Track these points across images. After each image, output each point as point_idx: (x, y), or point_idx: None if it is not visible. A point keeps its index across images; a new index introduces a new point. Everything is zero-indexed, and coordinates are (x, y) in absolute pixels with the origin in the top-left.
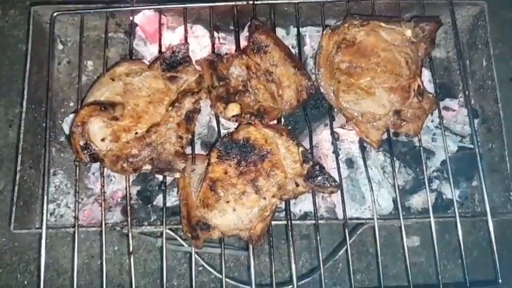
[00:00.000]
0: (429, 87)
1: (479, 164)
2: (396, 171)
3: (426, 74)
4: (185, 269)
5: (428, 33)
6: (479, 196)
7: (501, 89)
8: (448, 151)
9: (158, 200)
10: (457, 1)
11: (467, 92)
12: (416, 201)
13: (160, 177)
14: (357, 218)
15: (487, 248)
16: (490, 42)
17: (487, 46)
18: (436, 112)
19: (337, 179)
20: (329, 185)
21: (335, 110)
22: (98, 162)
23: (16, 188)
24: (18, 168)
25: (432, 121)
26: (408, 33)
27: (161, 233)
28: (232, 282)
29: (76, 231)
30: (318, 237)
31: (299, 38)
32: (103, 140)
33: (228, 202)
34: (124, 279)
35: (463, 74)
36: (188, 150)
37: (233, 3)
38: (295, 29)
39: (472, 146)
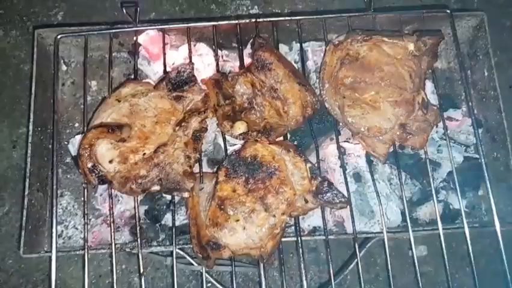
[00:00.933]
0: (433, 98)
1: (486, 173)
2: (404, 183)
3: (429, 85)
4: (194, 286)
5: (430, 46)
6: (486, 205)
7: (502, 97)
8: (454, 162)
9: (166, 219)
10: (457, 13)
11: (470, 103)
12: (424, 212)
13: (168, 196)
14: (367, 232)
15: (494, 256)
16: (490, 52)
17: (487, 56)
18: (440, 125)
19: (345, 193)
20: (338, 201)
21: (340, 124)
22: (105, 184)
23: (25, 212)
24: (26, 192)
25: (436, 132)
26: (411, 47)
27: (171, 252)
28: None
29: (86, 254)
30: (329, 254)
31: (302, 53)
32: (110, 161)
33: (237, 221)
34: None
35: (466, 84)
36: (195, 169)
37: (236, 21)
38: (298, 44)
39: (477, 156)
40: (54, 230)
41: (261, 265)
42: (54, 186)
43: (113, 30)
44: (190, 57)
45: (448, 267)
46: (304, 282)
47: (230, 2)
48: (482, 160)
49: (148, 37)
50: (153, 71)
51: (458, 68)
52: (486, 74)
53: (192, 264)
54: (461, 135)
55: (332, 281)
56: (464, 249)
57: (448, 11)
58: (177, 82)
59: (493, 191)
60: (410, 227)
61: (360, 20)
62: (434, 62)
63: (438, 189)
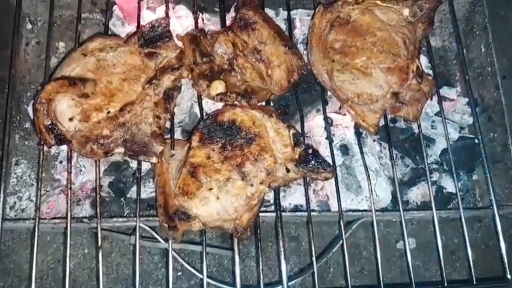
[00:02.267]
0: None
1: (483, 153)
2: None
3: (423, 60)
4: (163, 274)
5: (426, 12)
6: (480, 190)
7: (499, 73)
8: (449, 138)
9: (133, 193)
10: None
11: (467, 78)
12: (415, 194)
13: (135, 167)
14: (354, 210)
15: (485, 247)
16: (488, 28)
17: (485, 31)
18: (434, 100)
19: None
20: (323, 170)
21: (328, 93)
22: (66, 148)
23: None
24: None
25: (431, 108)
26: (406, 12)
27: (135, 227)
28: (215, 282)
29: (37, 225)
30: (311, 232)
31: (290, 20)
32: (71, 119)
33: (210, 189)
34: (94, 286)
35: (463, 60)
36: (167, 136)
37: None
38: (285, 11)
39: (472, 136)
40: (1, 195)
41: (235, 246)
42: (6, 148)
43: None
44: (167, 13)
45: (441, 253)
46: (283, 262)
47: None
48: (480, 138)
49: None
50: (127, 33)
51: (452, 46)
52: (483, 50)
53: (158, 242)
54: (455, 115)
55: (314, 264)
56: (455, 243)
57: None
58: (150, 37)
59: (490, 172)
60: (401, 207)
61: None
62: (430, 30)
63: (431, 170)
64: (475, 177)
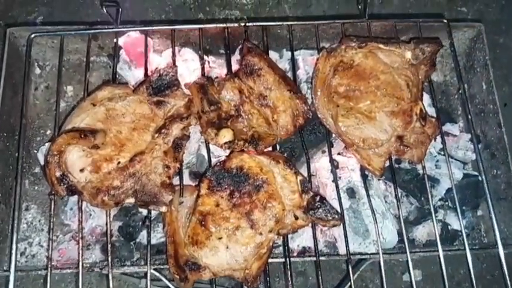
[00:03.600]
0: (430, 111)
1: (487, 192)
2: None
3: (425, 97)
4: None
5: (428, 55)
6: (485, 226)
7: (502, 112)
8: (453, 179)
9: (142, 237)
10: (453, 23)
11: (469, 117)
12: (421, 232)
13: (144, 212)
14: (361, 253)
15: (491, 277)
16: (489, 65)
17: (485, 69)
18: (438, 137)
19: (338, 209)
20: (331, 218)
21: (333, 135)
22: (76, 196)
23: None
24: None
25: (433, 147)
26: (408, 55)
27: (145, 273)
28: None
29: (49, 274)
30: (320, 276)
31: (293, 61)
32: (81, 170)
33: (220, 239)
34: None
35: (465, 97)
36: (175, 181)
37: (224, 25)
38: (289, 52)
39: (475, 173)
40: (14, 246)
41: None
42: (18, 197)
43: (92, 31)
44: (174, 61)
45: None
46: None
47: (219, 12)
48: (484, 177)
49: (129, 39)
50: (134, 76)
51: (454, 81)
52: (484, 87)
53: (169, 287)
54: (458, 151)
55: None
56: (461, 274)
57: (445, 21)
58: (158, 86)
59: (494, 210)
60: (407, 249)
61: (354, 28)
62: (432, 72)
63: (436, 208)
64: (479, 213)
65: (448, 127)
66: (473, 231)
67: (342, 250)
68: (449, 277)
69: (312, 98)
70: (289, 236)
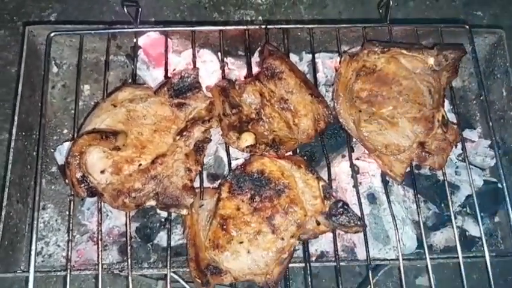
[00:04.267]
0: (450, 117)
1: (508, 199)
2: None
3: (445, 103)
4: None
5: (451, 61)
6: (502, 233)
7: None
8: (474, 185)
9: (160, 239)
10: (475, 29)
11: (491, 123)
12: (438, 238)
13: (162, 213)
14: (381, 259)
15: (504, 282)
16: (510, 71)
17: (506, 75)
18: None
19: (359, 215)
20: (354, 224)
21: (354, 139)
22: (94, 196)
23: (1, 225)
24: (4, 203)
25: (453, 153)
26: (431, 61)
27: (165, 275)
28: None
29: (69, 275)
30: (341, 283)
31: (314, 64)
32: (102, 172)
33: (241, 243)
34: None
35: (486, 103)
36: (195, 183)
37: (245, 27)
38: (308, 55)
39: (494, 180)
40: (33, 247)
41: None
42: (37, 198)
43: (112, 30)
44: (194, 63)
45: None
46: None
47: (234, 11)
48: (504, 184)
49: (149, 39)
50: (152, 76)
51: (472, 87)
52: (505, 94)
53: None
54: (477, 157)
55: None
56: (474, 279)
57: (467, 27)
58: (180, 88)
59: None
60: (427, 255)
61: (374, 32)
62: (454, 78)
63: (455, 214)
64: (496, 219)
65: (466, 133)
66: (490, 237)
67: (360, 255)
68: (460, 284)
69: (333, 102)
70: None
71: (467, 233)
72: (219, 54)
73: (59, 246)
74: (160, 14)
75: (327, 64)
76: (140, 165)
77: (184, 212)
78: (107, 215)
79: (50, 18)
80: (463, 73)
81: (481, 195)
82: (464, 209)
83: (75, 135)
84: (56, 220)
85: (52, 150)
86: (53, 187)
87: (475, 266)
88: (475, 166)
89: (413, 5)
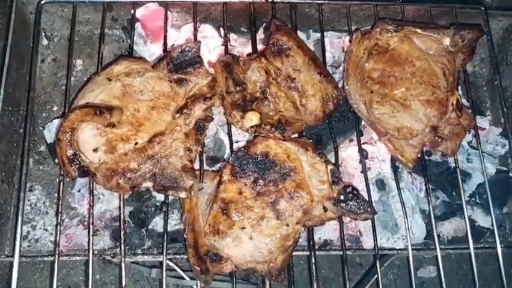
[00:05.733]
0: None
1: None
2: (425, 194)
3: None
4: None
5: (468, 42)
6: (510, 223)
7: None
8: (486, 174)
9: (155, 224)
10: (490, 11)
11: (505, 110)
12: (447, 228)
13: (158, 197)
14: (389, 249)
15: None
16: None
17: None
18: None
19: None
20: (363, 211)
21: (362, 123)
22: (84, 177)
23: None
24: None
25: (464, 140)
26: (447, 41)
27: (160, 262)
28: None
29: (57, 261)
30: (346, 272)
31: (323, 42)
32: (95, 150)
33: (243, 228)
34: None
35: (501, 90)
36: (195, 165)
37: (250, 0)
38: (316, 33)
39: (505, 169)
40: (19, 230)
41: (267, 283)
42: (23, 178)
43: (108, 0)
44: (195, 36)
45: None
46: None
47: None
48: None
49: (147, 11)
50: (149, 52)
51: (483, 72)
52: None
53: (183, 279)
54: (488, 145)
55: None
56: (477, 270)
57: (482, 8)
58: (180, 62)
59: None
60: (437, 245)
61: (385, 11)
62: (469, 61)
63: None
64: (505, 210)
65: (477, 120)
66: (498, 229)
67: (366, 244)
68: (464, 273)
69: (342, 82)
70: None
71: (475, 223)
72: (221, 29)
73: (46, 230)
74: None
75: (334, 44)
76: (136, 143)
77: (183, 195)
78: (99, 198)
79: None
80: (474, 58)
81: (492, 185)
82: (473, 199)
83: (66, 112)
84: (44, 203)
85: (41, 128)
86: (41, 167)
87: (477, 258)
88: (488, 154)
89: None
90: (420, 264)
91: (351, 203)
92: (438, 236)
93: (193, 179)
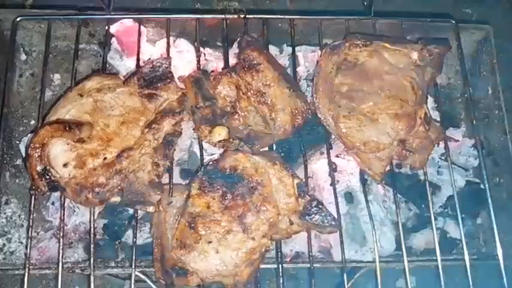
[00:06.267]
0: (433, 115)
1: (489, 201)
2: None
3: (429, 100)
4: None
5: (436, 56)
6: (484, 235)
7: (508, 119)
8: (456, 186)
9: (128, 237)
10: (461, 25)
11: (474, 122)
12: (419, 240)
13: (131, 210)
14: (357, 261)
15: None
16: (496, 69)
17: (493, 73)
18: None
19: (335, 215)
20: (328, 224)
21: (333, 136)
22: (57, 191)
23: None
24: None
25: (435, 152)
26: (415, 55)
27: (130, 275)
28: None
29: (27, 274)
30: (313, 286)
31: (294, 56)
32: (65, 165)
33: (209, 243)
34: None
35: (470, 101)
36: (165, 179)
37: (223, 16)
38: (289, 47)
39: (477, 180)
40: None
41: None
42: None
43: (82, 16)
44: (168, 52)
45: None
46: None
47: (217, 3)
48: (486, 186)
49: (122, 27)
50: (125, 66)
51: (458, 84)
52: (490, 92)
53: None
54: (460, 157)
55: None
56: (455, 282)
57: (453, 22)
58: (151, 78)
59: (495, 220)
60: (405, 257)
61: (358, 25)
62: (438, 75)
63: (436, 215)
64: (479, 221)
65: (450, 132)
66: (472, 240)
67: (336, 256)
68: (444, 285)
69: (312, 96)
70: (282, 240)
71: (448, 234)
72: (196, 43)
73: (22, 243)
74: (141, 3)
75: (308, 58)
76: (105, 158)
77: (151, 209)
78: (74, 211)
79: (26, 3)
80: (448, 70)
81: (463, 196)
82: (446, 210)
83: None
84: (19, 216)
85: (18, 142)
86: (17, 181)
87: (458, 269)
88: (458, 166)
89: (400, 1)
90: (400, 274)
91: (315, 216)
92: (411, 247)
93: (160, 194)
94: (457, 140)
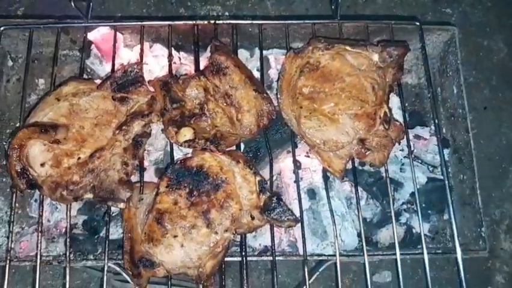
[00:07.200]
0: (399, 114)
1: (449, 196)
2: (364, 203)
3: (395, 100)
4: None
5: (395, 58)
6: (450, 230)
7: (475, 117)
8: (417, 183)
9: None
10: (426, 26)
11: (437, 121)
12: (384, 235)
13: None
14: (318, 255)
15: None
16: (460, 69)
17: (457, 73)
18: (405, 141)
19: (297, 210)
20: (286, 219)
21: (298, 136)
22: (35, 189)
23: None
24: None
25: (402, 150)
26: (375, 57)
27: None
28: None
29: (7, 266)
30: (275, 277)
31: (262, 60)
32: (42, 165)
33: (175, 237)
34: None
35: (433, 101)
36: (136, 177)
37: (193, 22)
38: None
39: (441, 178)
40: None
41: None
42: None
43: (61, 25)
44: (141, 57)
45: None
46: None
47: (200, 7)
48: (446, 182)
49: (99, 34)
50: (105, 70)
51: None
52: (455, 91)
53: (128, 282)
54: (428, 154)
55: None
56: (431, 275)
57: (417, 24)
58: (123, 82)
59: (457, 215)
60: (365, 251)
61: (326, 28)
62: (400, 75)
63: (401, 211)
64: (445, 216)
65: (417, 130)
66: (438, 235)
67: (301, 250)
68: (419, 277)
69: (277, 97)
70: (252, 234)
71: (413, 230)
72: (171, 48)
73: (8, 238)
74: (126, 10)
75: (280, 60)
76: (79, 158)
77: (121, 205)
78: (56, 208)
79: (18, 12)
80: (419, 70)
81: (428, 193)
82: (412, 207)
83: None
84: (6, 212)
85: (4, 144)
86: (3, 179)
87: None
88: (426, 164)
89: (381, 2)
90: (376, 269)
91: (274, 211)
92: (377, 242)
93: (129, 191)
94: (426, 139)
